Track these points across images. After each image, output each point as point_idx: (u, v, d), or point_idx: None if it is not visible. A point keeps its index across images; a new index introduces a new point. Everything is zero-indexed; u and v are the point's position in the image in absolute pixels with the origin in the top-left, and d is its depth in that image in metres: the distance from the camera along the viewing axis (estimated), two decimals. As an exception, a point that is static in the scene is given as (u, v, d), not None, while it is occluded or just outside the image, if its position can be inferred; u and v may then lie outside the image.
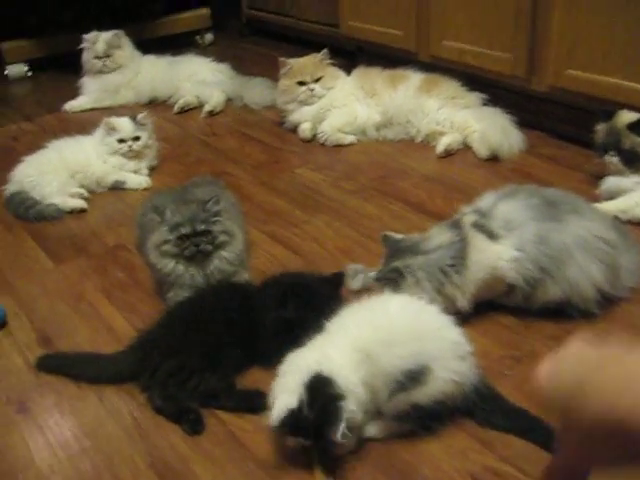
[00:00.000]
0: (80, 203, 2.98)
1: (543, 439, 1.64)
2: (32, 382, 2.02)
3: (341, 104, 3.43)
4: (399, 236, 2.10)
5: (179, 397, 1.85)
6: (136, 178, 3.14)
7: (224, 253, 2.18)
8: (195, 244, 2.12)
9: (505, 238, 2.03)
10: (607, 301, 2.10)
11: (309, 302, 1.93)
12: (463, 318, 2.00)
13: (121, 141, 3.09)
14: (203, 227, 2.11)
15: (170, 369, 1.86)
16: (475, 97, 3.33)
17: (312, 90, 3.42)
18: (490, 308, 2.15)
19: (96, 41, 4.00)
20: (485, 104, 3.31)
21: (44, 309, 2.35)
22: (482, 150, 3.11)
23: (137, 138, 3.11)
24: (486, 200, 2.15)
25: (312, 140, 3.46)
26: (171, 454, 1.74)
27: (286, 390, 1.59)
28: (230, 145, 3.51)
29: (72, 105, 4.12)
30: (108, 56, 4.02)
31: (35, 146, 3.26)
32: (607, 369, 0.65)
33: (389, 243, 2.08)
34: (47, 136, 3.49)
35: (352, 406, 1.58)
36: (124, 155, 3.11)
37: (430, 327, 1.73)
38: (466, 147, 3.23)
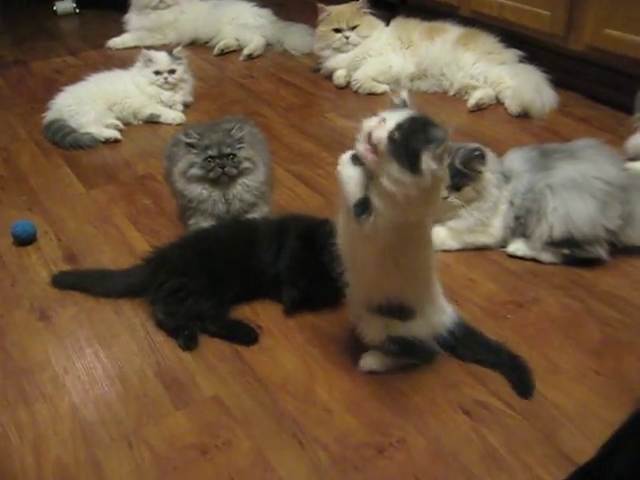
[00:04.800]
0: (114, 133, 3.08)
1: (516, 375, 1.77)
2: (55, 294, 2.14)
3: (376, 53, 3.46)
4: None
5: (178, 314, 1.95)
6: (171, 113, 3.23)
7: (246, 180, 2.26)
8: (221, 166, 2.21)
9: (509, 182, 2.22)
10: (624, 253, 2.18)
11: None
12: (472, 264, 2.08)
13: (157, 73, 3.20)
14: (229, 150, 2.21)
15: (173, 287, 1.97)
16: (511, 54, 3.32)
17: (347, 38, 3.46)
18: (501, 256, 2.21)
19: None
20: (521, 61, 3.31)
21: (72, 230, 2.46)
22: (514, 106, 3.13)
23: (172, 71, 3.22)
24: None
25: (346, 87, 3.51)
26: (178, 366, 1.85)
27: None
28: (265, 88, 3.57)
29: (115, 42, 4.21)
30: None
31: (77, 79, 3.35)
32: None
33: None
34: (89, 70, 3.58)
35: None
36: (160, 87, 3.22)
37: None
38: (498, 103, 3.25)
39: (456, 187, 2.16)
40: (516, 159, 2.24)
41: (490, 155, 2.21)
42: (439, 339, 1.78)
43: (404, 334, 1.71)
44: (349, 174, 1.55)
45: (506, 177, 2.21)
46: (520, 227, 2.20)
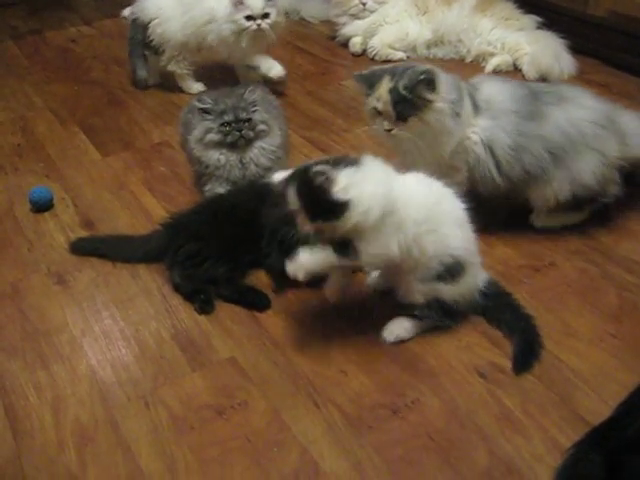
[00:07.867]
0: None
1: (522, 349, 1.74)
2: (72, 259, 2.15)
3: (393, 20, 3.43)
4: None
5: (195, 278, 1.96)
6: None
7: (263, 144, 2.26)
8: (238, 129, 2.21)
9: (483, 115, 2.00)
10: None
11: None
12: (489, 229, 2.05)
13: (249, 18, 2.80)
14: (245, 114, 2.20)
15: (190, 251, 1.98)
16: (530, 20, 3.29)
17: (364, 4, 3.43)
18: (518, 222, 2.19)
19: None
20: (539, 27, 3.27)
21: (89, 196, 2.47)
22: (531, 72, 3.08)
23: (266, 15, 2.81)
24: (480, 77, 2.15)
25: (362, 55, 3.49)
26: (194, 329, 1.86)
27: None
28: (281, 56, 3.48)
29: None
30: None
31: (92, 49, 3.32)
32: None
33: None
34: (105, 40, 3.59)
35: None
36: (248, 34, 2.83)
37: None
38: (516, 69, 3.20)
39: (400, 117, 1.90)
40: (501, 92, 2.02)
41: (444, 79, 1.92)
42: (472, 301, 1.80)
43: (446, 297, 1.73)
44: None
45: (477, 106, 1.99)
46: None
